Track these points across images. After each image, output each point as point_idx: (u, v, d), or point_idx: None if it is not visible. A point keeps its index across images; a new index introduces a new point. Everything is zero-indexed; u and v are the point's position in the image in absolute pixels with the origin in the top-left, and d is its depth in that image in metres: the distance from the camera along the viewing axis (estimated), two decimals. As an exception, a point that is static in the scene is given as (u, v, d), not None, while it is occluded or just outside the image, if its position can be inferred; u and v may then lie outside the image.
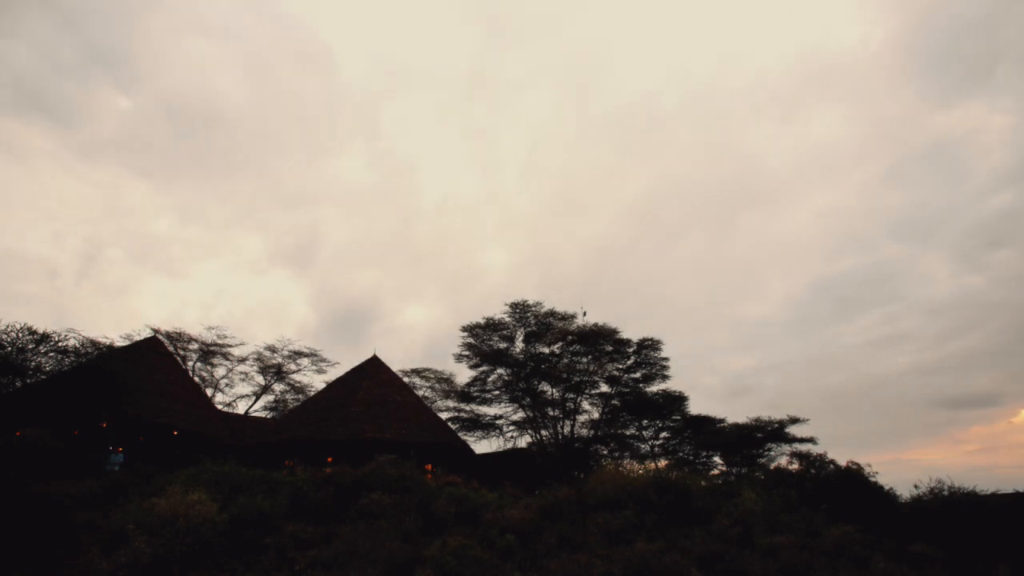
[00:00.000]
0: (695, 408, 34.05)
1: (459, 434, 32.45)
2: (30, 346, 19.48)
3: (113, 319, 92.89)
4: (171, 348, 34.09)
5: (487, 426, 34.71)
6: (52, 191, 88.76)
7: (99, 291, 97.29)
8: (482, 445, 35.82)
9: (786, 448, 28.51)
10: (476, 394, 34.17)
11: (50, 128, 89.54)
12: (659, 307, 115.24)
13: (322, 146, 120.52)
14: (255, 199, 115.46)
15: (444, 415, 35.27)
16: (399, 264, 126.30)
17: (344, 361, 68.92)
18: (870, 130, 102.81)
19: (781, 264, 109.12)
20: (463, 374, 53.09)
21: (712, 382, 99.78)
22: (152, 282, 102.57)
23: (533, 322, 32.69)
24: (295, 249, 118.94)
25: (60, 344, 20.69)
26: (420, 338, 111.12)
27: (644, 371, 32.90)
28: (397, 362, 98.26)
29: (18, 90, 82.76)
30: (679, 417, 32.94)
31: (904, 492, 19.33)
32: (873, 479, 19.42)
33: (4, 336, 18.88)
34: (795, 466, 21.79)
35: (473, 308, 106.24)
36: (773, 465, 25.82)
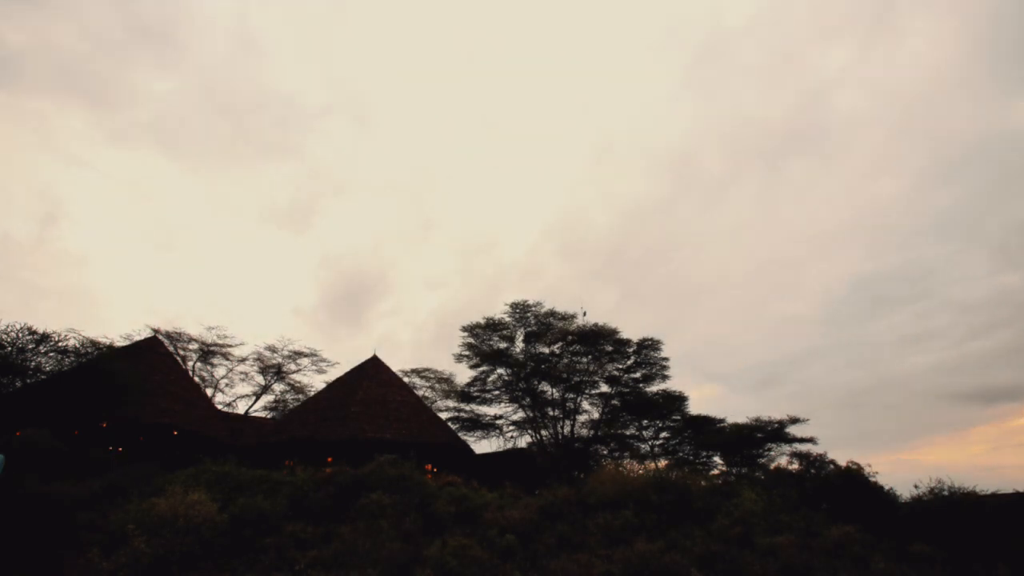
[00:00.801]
0: (698, 405, 34.08)
1: (459, 434, 32.45)
2: (30, 346, 19.48)
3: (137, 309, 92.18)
4: (171, 348, 34.10)
5: (487, 426, 34.72)
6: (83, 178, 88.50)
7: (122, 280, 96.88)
8: (482, 445, 35.89)
9: (786, 448, 28.51)
10: (476, 394, 34.18)
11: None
12: (688, 280, 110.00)
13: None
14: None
15: (444, 415, 35.29)
16: (414, 229, 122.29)
17: (344, 359, 68.99)
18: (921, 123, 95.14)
19: (821, 250, 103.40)
20: (463, 374, 53.13)
21: (730, 370, 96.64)
22: (171, 269, 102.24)
23: (533, 322, 32.70)
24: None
25: (60, 344, 20.69)
26: (433, 319, 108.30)
27: (644, 371, 32.90)
28: (411, 343, 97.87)
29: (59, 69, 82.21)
30: (679, 417, 32.94)
31: (906, 492, 19.34)
32: (873, 479, 19.42)
33: (4, 336, 18.88)
34: (795, 466, 21.79)
35: (489, 285, 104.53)
36: (773, 465, 25.82)
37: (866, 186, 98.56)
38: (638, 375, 32.99)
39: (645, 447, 34.27)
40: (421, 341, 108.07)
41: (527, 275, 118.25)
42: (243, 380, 39.39)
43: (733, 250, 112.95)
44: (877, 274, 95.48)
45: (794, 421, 28.95)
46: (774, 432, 28.84)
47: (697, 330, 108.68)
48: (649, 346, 32.46)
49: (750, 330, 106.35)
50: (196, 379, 35.72)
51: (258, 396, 39.82)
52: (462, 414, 35.22)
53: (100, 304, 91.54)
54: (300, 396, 39.66)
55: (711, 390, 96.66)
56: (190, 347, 36.65)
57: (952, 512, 16.56)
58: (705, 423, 32.04)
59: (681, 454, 33.44)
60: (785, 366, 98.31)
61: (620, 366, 32.88)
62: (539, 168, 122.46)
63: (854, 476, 19.28)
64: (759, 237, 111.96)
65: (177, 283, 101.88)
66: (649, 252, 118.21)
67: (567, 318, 32.79)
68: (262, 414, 39.60)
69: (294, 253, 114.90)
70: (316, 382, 40.54)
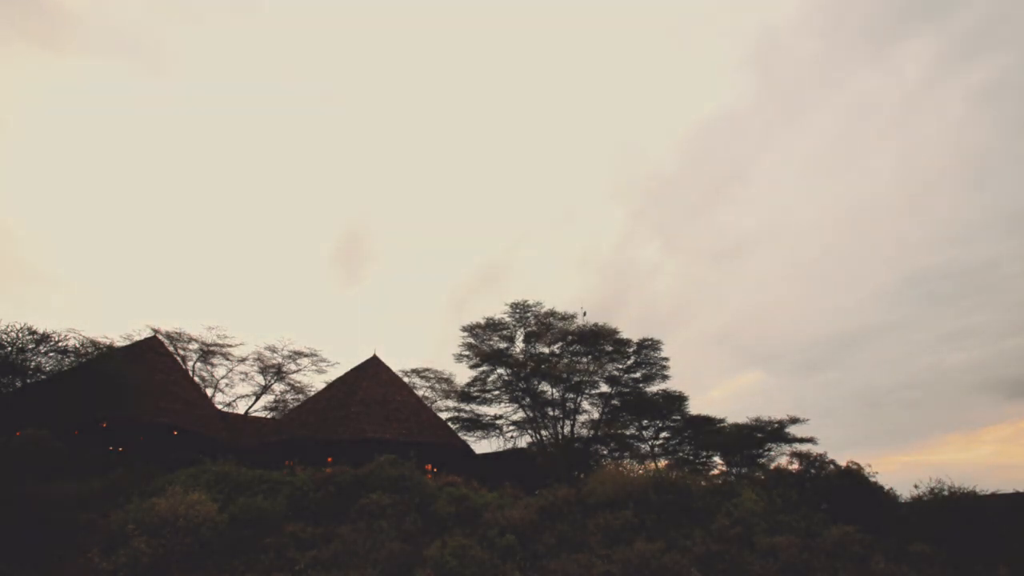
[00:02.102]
0: (728, 403, 33.97)
1: (459, 434, 32.46)
2: (30, 346, 19.47)
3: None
4: (171, 348, 34.08)
5: (487, 426, 34.71)
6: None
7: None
8: (482, 445, 35.82)
9: (786, 448, 28.51)
10: (476, 394, 34.17)
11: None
12: (735, 228, 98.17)
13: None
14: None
15: (444, 415, 35.28)
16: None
17: (343, 360, 68.90)
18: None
19: (903, 210, 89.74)
20: (463, 374, 53.10)
21: (771, 349, 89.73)
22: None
23: (533, 322, 32.70)
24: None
25: (60, 344, 20.68)
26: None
27: (644, 371, 32.89)
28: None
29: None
30: (679, 417, 32.94)
31: (904, 492, 19.34)
32: (873, 479, 19.42)
33: (4, 336, 18.88)
34: (795, 466, 21.77)
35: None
36: (773, 465, 25.80)
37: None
38: (638, 375, 32.99)
39: (645, 447, 34.27)
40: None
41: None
42: (243, 380, 39.40)
43: (794, 192, 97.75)
44: (933, 264, 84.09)
45: (794, 421, 28.96)
46: (774, 432, 28.85)
47: (738, 300, 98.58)
48: (649, 346, 32.47)
49: (798, 300, 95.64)
50: (196, 379, 35.71)
51: (258, 396, 39.83)
52: (462, 414, 35.22)
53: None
54: (300, 396, 39.65)
55: (749, 378, 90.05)
56: (190, 347, 36.65)
57: (952, 512, 16.56)
58: (705, 423, 32.04)
59: (681, 454, 33.44)
60: (832, 348, 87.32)
61: (620, 366, 32.88)
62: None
63: (854, 476, 19.27)
64: (832, 180, 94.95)
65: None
66: (702, 187, 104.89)
67: (567, 318, 32.80)
68: (262, 414, 39.59)
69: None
70: (316, 382, 40.56)
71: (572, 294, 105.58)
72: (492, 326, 32.81)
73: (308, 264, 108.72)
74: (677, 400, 32.58)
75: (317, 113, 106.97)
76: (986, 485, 17.80)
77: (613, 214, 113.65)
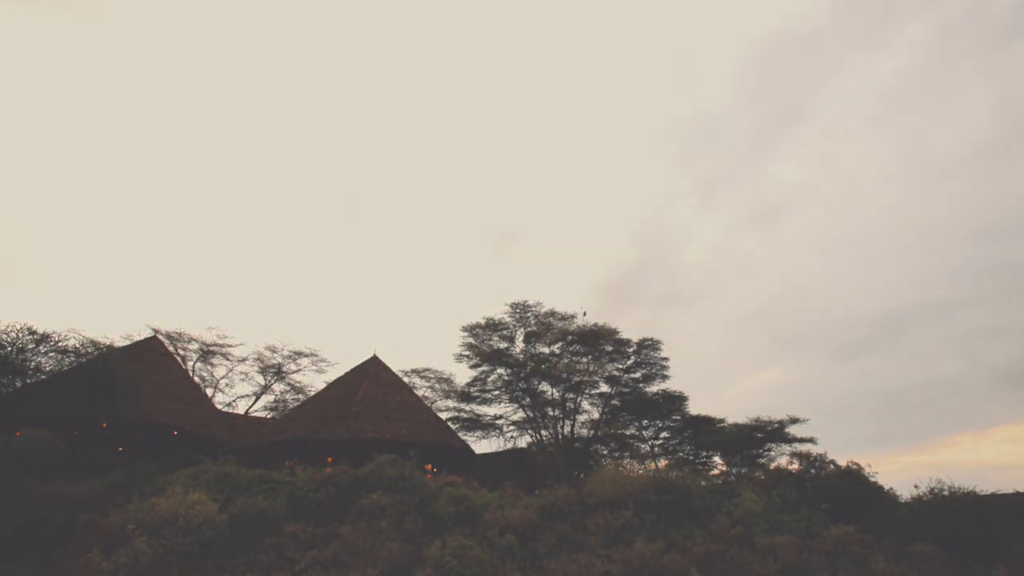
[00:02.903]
0: (716, 403, 33.97)
1: (459, 434, 32.46)
2: (30, 346, 19.44)
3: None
4: (171, 348, 34.09)
5: (487, 426, 34.71)
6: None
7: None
8: (482, 445, 35.83)
9: (786, 448, 28.50)
10: (476, 394, 34.17)
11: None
12: (784, 179, 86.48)
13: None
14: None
15: (444, 415, 35.28)
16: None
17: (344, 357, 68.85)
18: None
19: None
20: (463, 374, 53.07)
21: (807, 328, 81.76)
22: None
23: (533, 322, 32.70)
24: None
25: (60, 344, 20.65)
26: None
27: (644, 371, 32.89)
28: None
29: None
30: (679, 417, 32.96)
31: (906, 492, 19.35)
32: (873, 479, 19.44)
33: (4, 336, 18.86)
34: (795, 466, 21.78)
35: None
36: (773, 465, 25.81)
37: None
38: (638, 375, 33.00)
39: (645, 447, 34.28)
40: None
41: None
42: (243, 380, 39.42)
43: (857, 139, 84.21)
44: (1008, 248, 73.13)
45: (794, 421, 28.97)
46: (774, 432, 28.84)
47: (776, 271, 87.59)
48: (649, 346, 32.48)
49: (842, 273, 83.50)
50: (196, 379, 35.72)
51: (258, 396, 39.84)
52: (462, 414, 35.22)
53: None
54: (300, 396, 39.66)
55: (771, 375, 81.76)
56: (190, 347, 36.67)
57: (952, 512, 16.57)
58: (705, 423, 32.05)
59: (681, 454, 33.45)
60: (872, 332, 76.69)
61: (620, 366, 32.88)
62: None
63: (854, 476, 19.28)
64: (905, 125, 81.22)
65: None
66: (752, 128, 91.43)
67: (567, 318, 32.81)
68: (262, 414, 39.60)
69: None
70: (316, 382, 40.57)
71: (598, 271, 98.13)
72: (492, 326, 32.82)
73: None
74: (677, 400, 32.59)
75: (313, 108, 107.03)
76: (997, 485, 17.75)
77: (651, 164, 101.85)
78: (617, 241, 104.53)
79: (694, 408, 33.10)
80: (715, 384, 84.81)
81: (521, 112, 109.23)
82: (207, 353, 37.43)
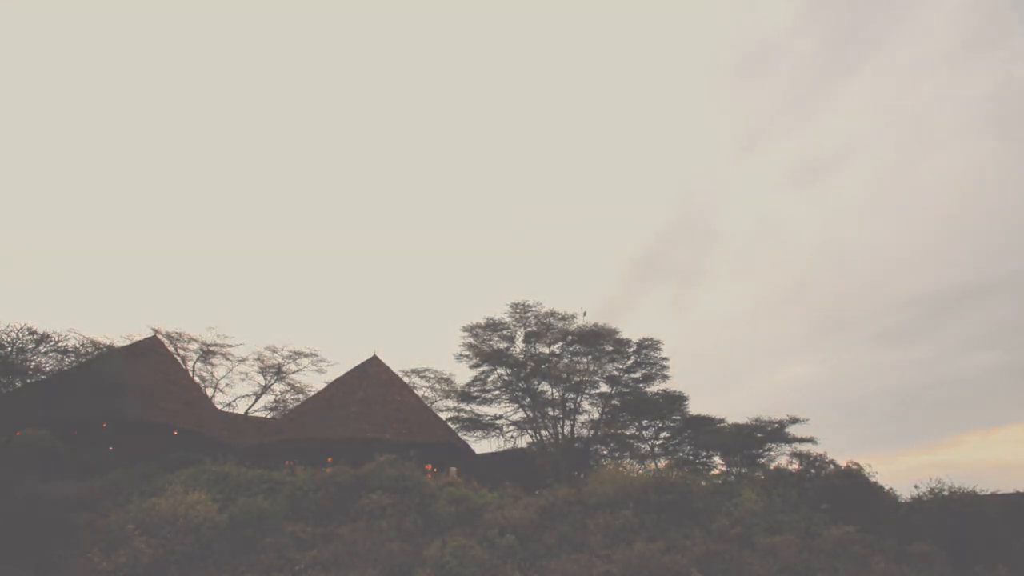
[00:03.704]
0: (732, 402, 33.72)
1: (459, 434, 32.46)
2: (30, 346, 19.44)
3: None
4: (171, 348, 34.09)
5: (487, 426, 34.70)
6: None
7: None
8: (482, 445, 35.83)
9: (786, 448, 28.51)
10: (476, 394, 34.17)
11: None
12: (852, 126, 74.67)
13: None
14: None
15: (444, 415, 35.27)
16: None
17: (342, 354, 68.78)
18: None
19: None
20: (463, 374, 53.05)
21: (837, 311, 73.92)
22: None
23: (533, 322, 32.71)
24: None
25: (60, 344, 20.65)
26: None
27: (644, 371, 32.91)
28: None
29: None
30: (679, 417, 32.96)
31: (906, 492, 19.35)
32: (873, 479, 19.44)
33: (4, 336, 18.86)
34: (795, 466, 21.78)
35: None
36: (773, 465, 25.82)
37: None
38: (638, 375, 33.01)
39: (645, 447, 34.28)
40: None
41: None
42: (243, 380, 39.42)
43: (931, 79, 71.11)
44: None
45: (794, 421, 28.97)
46: (774, 432, 28.84)
47: (818, 238, 77.20)
48: (649, 346, 32.50)
49: (894, 243, 71.05)
50: (196, 379, 35.72)
51: (258, 396, 39.85)
52: (462, 414, 35.21)
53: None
54: (300, 396, 39.67)
55: (799, 370, 74.18)
56: (190, 347, 36.67)
57: (952, 512, 16.57)
58: (705, 423, 32.06)
59: (681, 454, 33.45)
60: (919, 315, 67.43)
61: (620, 366, 32.89)
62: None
63: (854, 476, 19.28)
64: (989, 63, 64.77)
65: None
66: (812, 64, 79.60)
67: (567, 318, 32.82)
68: (262, 414, 39.60)
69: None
70: (316, 382, 40.57)
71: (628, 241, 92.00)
72: (492, 326, 32.82)
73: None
74: (677, 400, 32.60)
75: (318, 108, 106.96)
76: (1005, 485, 17.67)
77: (691, 106, 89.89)
78: (647, 208, 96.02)
79: (712, 406, 33.21)
80: (738, 377, 78.20)
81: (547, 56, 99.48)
82: (207, 353, 37.43)
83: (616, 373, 32.88)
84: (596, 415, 33.33)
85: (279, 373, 39.72)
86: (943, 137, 74.89)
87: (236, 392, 39.95)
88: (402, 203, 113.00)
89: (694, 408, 32.90)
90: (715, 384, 77.86)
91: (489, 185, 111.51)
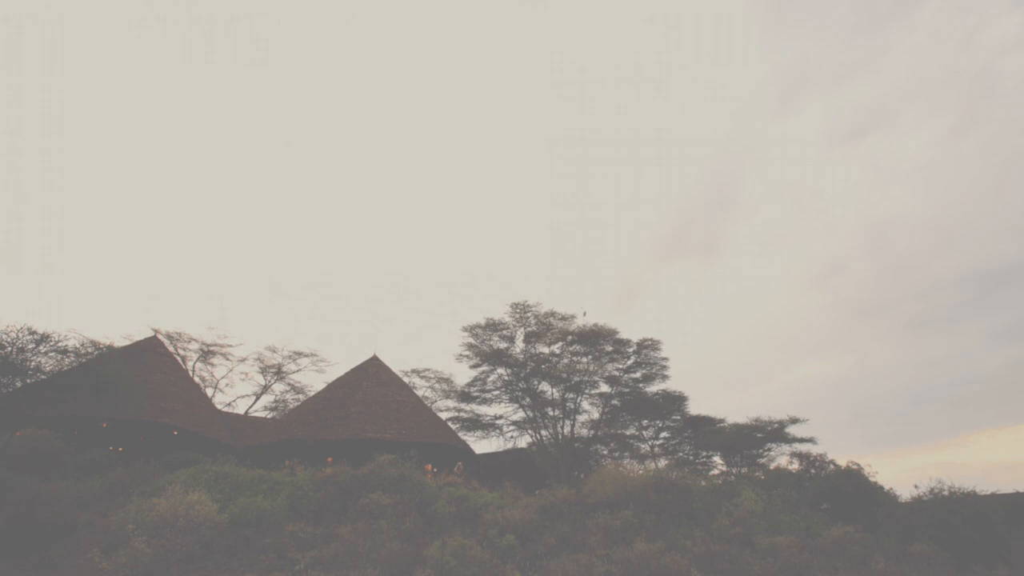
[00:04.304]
0: (747, 400, 33.56)
1: (459, 434, 32.46)
2: (30, 346, 19.43)
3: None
4: (171, 348, 34.10)
5: (487, 426, 34.72)
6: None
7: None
8: (482, 445, 35.87)
9: (786, 448, 28.52)
10: (476, 394, 34.18)
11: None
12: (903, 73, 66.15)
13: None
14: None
15: (444, 415, 35.30)
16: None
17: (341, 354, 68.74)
18: None
19: None
20: (463, 374, 53.07)
21: (873, 293, 67.44)
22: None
23: (533, 322, 32.71)
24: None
25: (60, 344, 20.64)
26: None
27: (644, 371, 32.91)
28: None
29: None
30: (679, 417, 32.97)
31: (904, 493, 19.35)
32: (873, 479, 19.44)
33: (4, 336, 18.85)
34: (795, 466, 21.81)
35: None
36: (773, 465, 25.84)
37: None
38: (638, 375, 33.01)
39: (645, 447, 34.29)
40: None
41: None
42: (243, 380, 39.45)
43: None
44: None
45: (794, 421, 28.98)
46: (774, 432, 28.86)
47: (856, 207, 69.06)
48: (649, 346, 32.50)
49: (938, 214, 62.50)
50: (196, 379, 35.74)
51: (258, 396, 39.87)
52: (462, 414, 35.23)
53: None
54: (300, 396, 39.69)
55: (823, 366, 69.74)
56: (190, 347, 36.69)
57: (952, 512, 16.57)
58: (705, 423, 32.07)
59: (681, 454, 33.47)
60: (962, 295, 60.57)
61: (620, 366, 32.90)
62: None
63: (854, 476, 19.29)
64: None
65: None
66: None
67: (567, 318, 32.82)
68: (262, 414, 39.62)
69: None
70: (316, 382, 40.60)
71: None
72: (492, 326, 32.83)
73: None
74: (677, 400, 32.62)
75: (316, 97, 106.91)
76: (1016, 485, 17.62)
77: (731, 53, 78.70)
78: (671, 180, 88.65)
79: (724, 405, 33.26)
80: (758, 373, 72.87)
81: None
82: (207, 353, 37.44)
83: (616, 373, 32.89)
84: (596, 415, 33.37)
85: (279, 373, 39.74)
86: (1008, 96, 61.55)
87: (236, 392, 40.06)
88: (402, 203, 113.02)
89: (705, 408, 33.06)
90: (732, 379, 74.34)
91: (497, 176, 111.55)
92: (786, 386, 71.60)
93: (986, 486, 17.48)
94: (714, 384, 76.56)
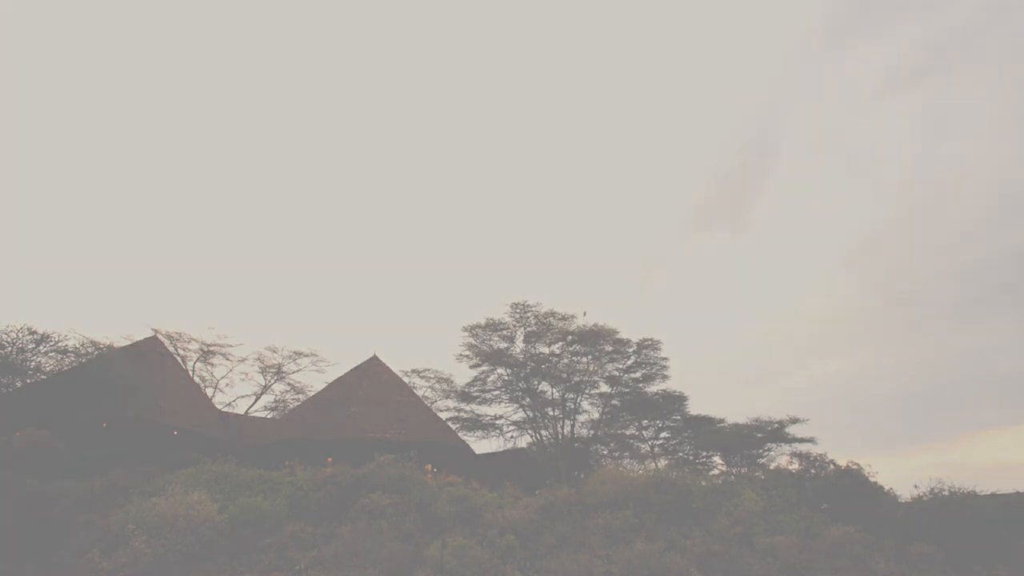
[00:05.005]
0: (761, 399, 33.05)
1: (459, 434, 32.46)
2: (30, 346, 19.47)
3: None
4: (171, 348, 34.08)
5: (487, 426, 34.72)
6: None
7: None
8: (482, 445, 35.84)
9: (786, 448, 28.51)
10: (476, 394, 34.19)
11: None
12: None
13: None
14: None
15: (444, 415, 35.28)
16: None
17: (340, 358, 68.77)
18: None
19: None
20: (463, 374, 53.05)
21: (911, 274, 62.80)
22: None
23: (533, 322, 32.73)
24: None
25: (60, 344, 20.68)
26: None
27: (644, 371, 32.93)
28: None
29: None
30: (679, 417, 32.98)
31: (905, 493, 19.35)
32: (873, 479, 19.44)
33: (4, 336, 18.88)
34: (795, 466, 21.80)
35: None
36: (773, 465, 25.83)
37: None
38: (638, 375, 33.03)
39: (645, 447, 34.29)
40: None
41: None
42: (243, 380, 39.43)
43: None
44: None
45: (794, 421, 28.98)
46: (774, 432, 28.85)
47: (899, 174, 63.51)
48: (649, 346, 32.52)
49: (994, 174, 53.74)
50: (196, 379, 35.72)
51: (258, 396, 39.85)
52: (462, 414, 35.23)
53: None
54: (300, 396, 39.67)
55: (841, 362, 64.54)
56: (190, 347, 36.67)
57: (952, 512, 16.57)
58: (705, 423, 32.07)
59: (681, 454, 33.46)
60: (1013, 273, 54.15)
61: (620, 366, 32.91)
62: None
63: (854, 476, 19.29)
64: None
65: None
66: None
67: (567, 318, 32.84)
68: (262, 414, 39.60)
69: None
70: (316, 382, 40.56)
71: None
72: (492, 326, 32.84)
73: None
74: (677, 400, 32.62)
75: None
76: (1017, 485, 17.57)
77: None
78: (703, 138, 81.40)
79: (738, 404, 33.07)
80: (780, 368, 68.39)
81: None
82: (207, 353, 37.43)
83: (616, 373, 32.90)
84: (596, 415, 33.38)
85: (279, 373, 39.73)
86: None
87: (236, 392, 40.04)
88: (401, 203, 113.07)
89: (717, 406, 32.97)
90: (747, 376, 71.15)
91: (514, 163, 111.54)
92: (801, 384, 69.76)
93: (978, 487, 17.46)
94: (722, 381, 75.63)
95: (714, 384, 67.82)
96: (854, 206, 71.78)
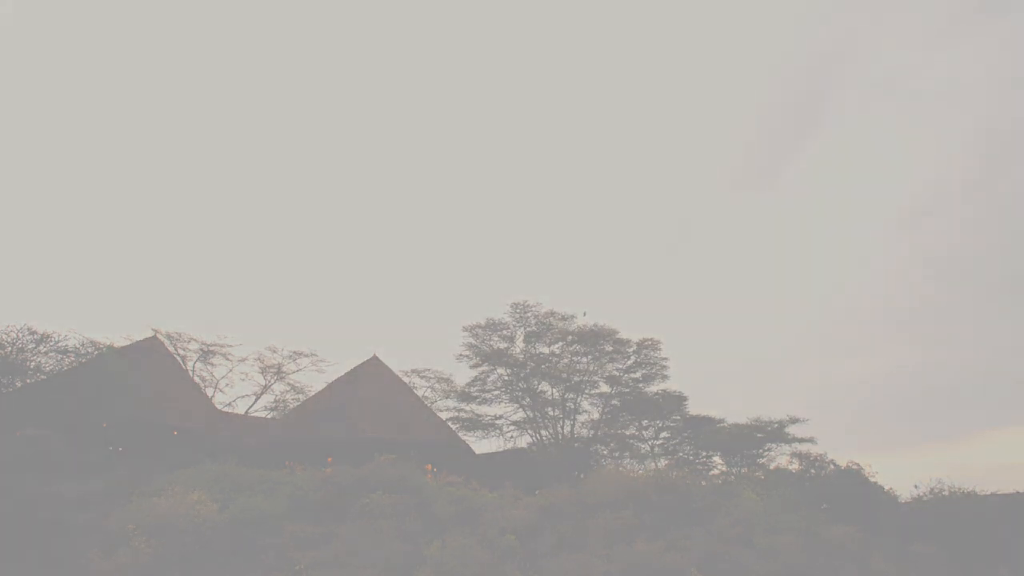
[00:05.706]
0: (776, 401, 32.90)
1: (459, 434, 32.46)
2: (30, 346, 19.48)
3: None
4: (171, 348, 34.05)
5: (487, 426, 34.71)
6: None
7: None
8: (482, 445, 35.85)
9: (786, 448, 28.52)
10: (476, 394, 34.19)
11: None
12: None
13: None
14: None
15: (444, 415, 35.26)
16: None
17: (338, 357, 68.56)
18: None
19: None
20: (463, 374, 53.02)
21: (959, 246, 62.46)
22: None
23: (533, 322, 32.74)
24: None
25: (60, 344, 20.69)
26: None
27: (644, 371, 32.94)
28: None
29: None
30: (679, 417, 32.98)
31: (905, 493, 19.36)
32: (873, 479, 19.45)
33: (4, 336, 18.90)
34: (795, 466, 21.81)
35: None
36: (773, 465, 25.85)
37: None
38: (638, 375, 33.04)
39: (645, 447, 34.27)
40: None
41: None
42: (243, 380, 39.37)
43: None
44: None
45: (794, 421, 28.99)
46: (774, 432, 28.86)
47: (961, 127, 63.09)
48: (649, 346, 32.53)
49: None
50: (196, 379, 35.68)
51: (258, 396, 39.79)
52: (462, 414, 35.21)
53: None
54: (300, 396, 39.62)
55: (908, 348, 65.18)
56: (190, 347, 36.62)
57: (952, 512, 16.58)
58: (705, 423, 32.07)
59: (681, 454, 33.46)
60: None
61: (620, 366, 32.92)
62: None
63: (854, 476, 19.30)
64: None
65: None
66: None
67: (567, 318, 32.84)
68: (262, 414, 39.55)
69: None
70: (316, 382, 40.47)
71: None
72: (492, 326, 32.85)
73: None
74: (677, 400, 32.62)
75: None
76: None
77: None
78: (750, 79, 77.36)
79: (757, 405, 32.87)
80: (802, 368, 67.74)
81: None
82: (207, 353, 37.38)
83: (616, 373, 32.91)
84: (596, 415, 33.37)
85: (279, 373, 39.67)
86: None
87: (236, 392, 39.79)
88: (401, 203, 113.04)
89: (709, 408, 32.86)
90: (760, 374, 70.33)
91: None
92: (810, 384, 67.59)
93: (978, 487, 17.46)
94: (734, 379, 74.36)
95: (713, 384, 67.80)
96: (905, 162, 64.44)
